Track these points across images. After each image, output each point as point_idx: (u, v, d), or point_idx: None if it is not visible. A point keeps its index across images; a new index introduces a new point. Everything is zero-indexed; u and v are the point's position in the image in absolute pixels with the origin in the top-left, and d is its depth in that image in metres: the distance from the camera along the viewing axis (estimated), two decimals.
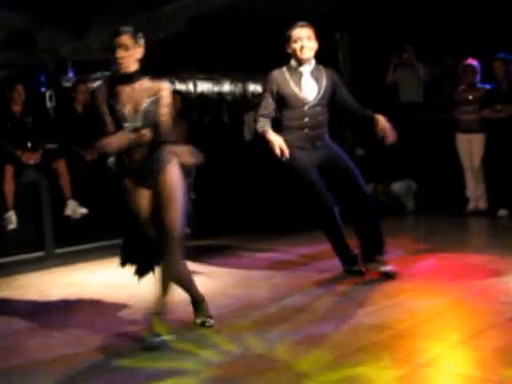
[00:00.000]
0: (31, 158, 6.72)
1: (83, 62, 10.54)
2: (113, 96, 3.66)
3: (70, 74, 10.07)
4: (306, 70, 4.77)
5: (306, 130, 4.73)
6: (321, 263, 5.51)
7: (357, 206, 4.82)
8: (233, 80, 11.88)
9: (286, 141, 4.57)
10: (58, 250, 6.89)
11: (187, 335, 3.77)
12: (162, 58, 10.44)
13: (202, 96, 11.36)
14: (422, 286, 4.48)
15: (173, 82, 10.88)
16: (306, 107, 4.72)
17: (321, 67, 4.85)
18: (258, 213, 7.81)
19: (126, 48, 3.60)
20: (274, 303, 4.34)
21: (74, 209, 6.85)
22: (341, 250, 5.04)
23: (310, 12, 9.83)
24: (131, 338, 3.78)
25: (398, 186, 8.19)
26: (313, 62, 4.81)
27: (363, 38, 10.29)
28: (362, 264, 4.96)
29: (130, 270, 3.96)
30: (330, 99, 4.83)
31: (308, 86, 4.75)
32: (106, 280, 5.63)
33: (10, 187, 6.52)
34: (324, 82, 4.78)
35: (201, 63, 10.76)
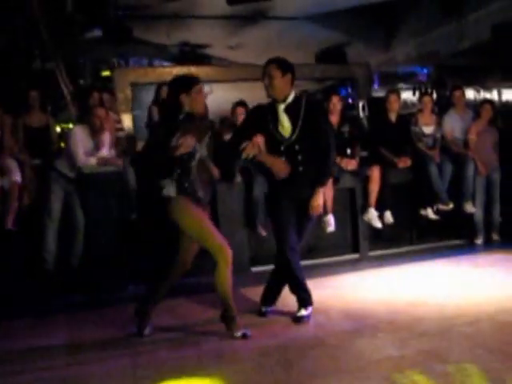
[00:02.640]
0: (350, 164, 7.27)
1: (388, 74, 10.99)
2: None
3: (376, 85, 10.54)
4: (281, 107, 4.60)
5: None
6: None
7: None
8: None
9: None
10: (372, 253, 7.37)
11: None
12: (466, 67, 10.53)
13: (508, 105, 11.14)
14: None
15: (478, 91, 10.83)
16: (282, 146, 4.58)
17: (302, 101, 4.63)
18: None
19: None
20: None
21: (371, 217, 7.22)
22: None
23: None
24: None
25: None
26: (290, 97, 4.62)
27: None
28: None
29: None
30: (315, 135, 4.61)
31: (284, 122, 4.60)
32: (416, 285, 5.78)
33: (329, 191, 7.11)
34: (301, 115, 4.59)
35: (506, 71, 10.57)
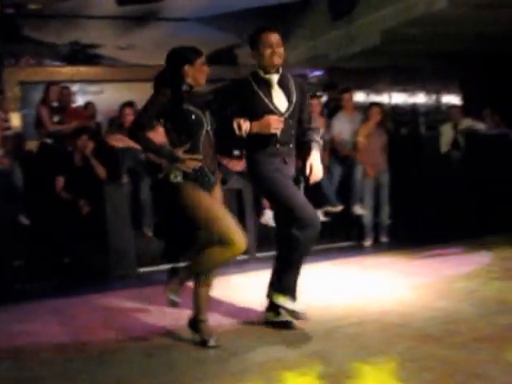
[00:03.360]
0: (237, 166, 7.10)
1: None
2: None
3: None
4: (275, 78, 4.20)
5: (278, 146, 4.21)
6: None
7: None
8: (427, 91, 11.82)
9: (256, 160, 4.27)
10: (260, 254, 7.22)
11: None
12: (356, 71, 10.68)
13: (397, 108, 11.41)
14: None
15: (367, 94, 11.01)
16: None
17: (289, 76, 4.30)
18: None
19: None
20: (483, 319, 4.21)
21: (267, 219, 7.17)
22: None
23: None
24: None
25: None
26: (280, 70, 4.25)
27: None
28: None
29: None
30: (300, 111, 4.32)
31: (278, 96, 4.21)
32: (304, 286, 5.72)
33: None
34: (294, 91, 4.25)
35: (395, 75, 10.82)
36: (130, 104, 7.48)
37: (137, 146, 7.04)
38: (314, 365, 3.53)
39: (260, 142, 4.19)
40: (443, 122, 9.25)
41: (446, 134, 8.89)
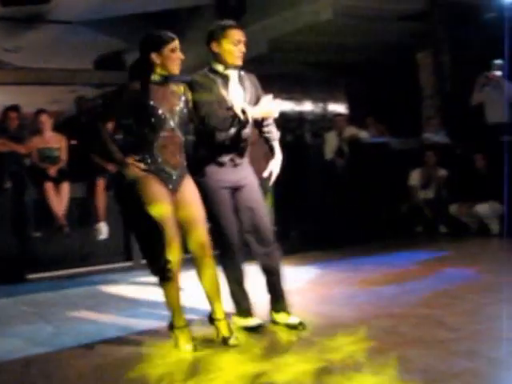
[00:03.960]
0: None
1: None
2: None
3: None
4: (234, 74, 4.09)
5: (227, 143, 4.02)
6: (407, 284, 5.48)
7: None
8: (314, 100, 12.07)
9: (203, 156, 4.03)
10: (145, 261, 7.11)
11: None
12: None
13: (284, 115, 11.57)
14: None
15: None
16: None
17: (242, 72, 4.16)
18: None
19: None
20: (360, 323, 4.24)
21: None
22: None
23: (394, 33, 9.96)
24: None
25: (482, 208, 8.04)
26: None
27: (446, 56, 10.23)
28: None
29: None
30: None
31: (235, 91, 4.07)
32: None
33: (102, 199, 6.88)
34: (250, 88, 4.14)
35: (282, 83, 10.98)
36: (14, 108, 7.29)
37: (22, 151, 6.92)
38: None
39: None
40: (328, 129, 9.46)
41: (331, 141, 9.09)
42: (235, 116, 3.88)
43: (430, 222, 8.61)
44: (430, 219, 8.58)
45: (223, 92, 4.01)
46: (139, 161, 3.71)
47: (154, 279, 3.89)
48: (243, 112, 3.89)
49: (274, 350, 3.75)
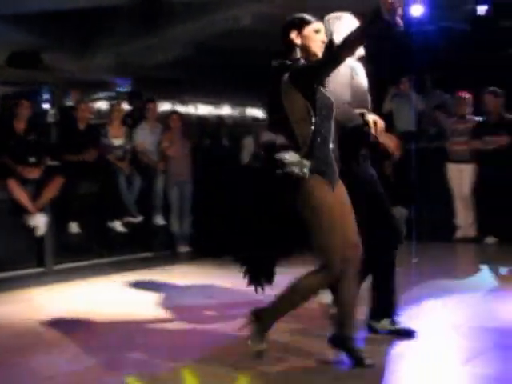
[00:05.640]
0: (32, 173, 6.89)
1: (86, 82, 10.78)
2: None
3: (72, 94, 10.29)
4: None
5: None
6: None
7: None
8: (233, 104, 12.17)
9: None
10: (58, 267, 7.03)
11: None
12: (164, 81, 10.75)
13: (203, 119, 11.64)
14: None
15: (174, 105, 11.13)
16: None
17: None
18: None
19: None
20: None
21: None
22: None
23: None
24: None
25: None
26: None
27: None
28: None
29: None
30: None
31: None
32: (104, 297, 5.69)
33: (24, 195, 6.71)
34: None
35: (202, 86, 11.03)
36: None
37: None
38: (104, 377, 3.50)
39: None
40: (246, 134, 9.57)
41: (248, 146, 9.21)
42: None
43: None
44: None
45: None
46: None
47: None
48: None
49: None
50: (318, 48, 3.48)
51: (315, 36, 3.50)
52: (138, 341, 4.21)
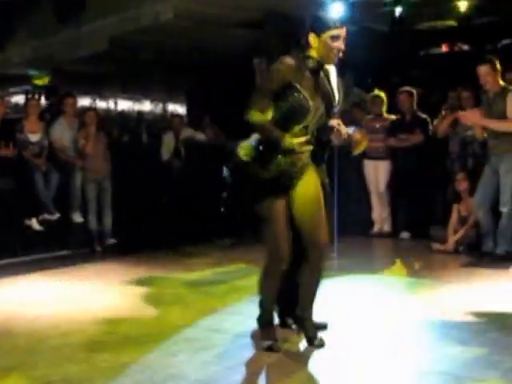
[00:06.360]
0: None
1: (1, 76, 10.51)
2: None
3: None
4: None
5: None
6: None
7: None
8: (153, 100, 12.11)
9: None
10: None
11: None
12: (83, 76, 10.59)
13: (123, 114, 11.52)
14: None
15: (94, 100, 10.97)
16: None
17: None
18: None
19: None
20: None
21: None
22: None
23: (233, 38, 10.23)
24: None
25: None
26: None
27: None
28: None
29: None
30: None
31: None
32: (18, 297, 5.54)
33: None
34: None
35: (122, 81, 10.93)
36: None
37: None
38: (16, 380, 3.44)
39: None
40: (166, 130, 9.54)
41: (168, 142, 9.18)
42: None
43: None
44: None
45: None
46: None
47: None
48: None
49: None
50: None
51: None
52: (46, 342, 4.11)
